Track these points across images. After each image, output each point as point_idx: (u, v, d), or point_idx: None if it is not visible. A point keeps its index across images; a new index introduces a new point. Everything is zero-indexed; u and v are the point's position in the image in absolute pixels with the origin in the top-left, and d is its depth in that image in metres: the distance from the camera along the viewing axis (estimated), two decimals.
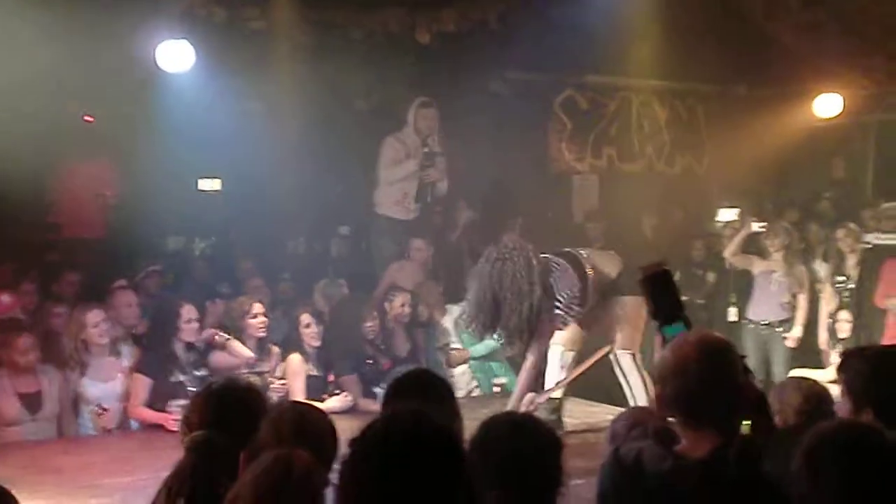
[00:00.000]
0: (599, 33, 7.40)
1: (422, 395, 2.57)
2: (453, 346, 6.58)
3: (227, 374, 5.38)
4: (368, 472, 1.66)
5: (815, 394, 3.04)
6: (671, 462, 2.11)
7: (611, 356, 5.34)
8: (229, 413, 2.56)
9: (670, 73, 8.70)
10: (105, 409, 5.32)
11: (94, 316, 5.38)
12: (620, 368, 5.34)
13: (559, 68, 8.29)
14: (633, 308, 5.15)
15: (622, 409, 5.98)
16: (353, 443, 1.72)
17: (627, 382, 5.33)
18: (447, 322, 6.65)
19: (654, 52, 8.21)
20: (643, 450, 2.15)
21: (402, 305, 6.19)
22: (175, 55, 6.11)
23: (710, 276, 8.29)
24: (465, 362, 6.59)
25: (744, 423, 2.20)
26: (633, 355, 5.31)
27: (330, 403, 5.58)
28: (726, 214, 8.86)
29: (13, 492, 2.60)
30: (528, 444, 2.29)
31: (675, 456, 2.12)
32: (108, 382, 5.43)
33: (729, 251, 7.74)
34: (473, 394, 6.48)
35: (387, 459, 1.65)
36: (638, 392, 5.22)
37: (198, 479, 2.39)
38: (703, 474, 2.08)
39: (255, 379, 5.50)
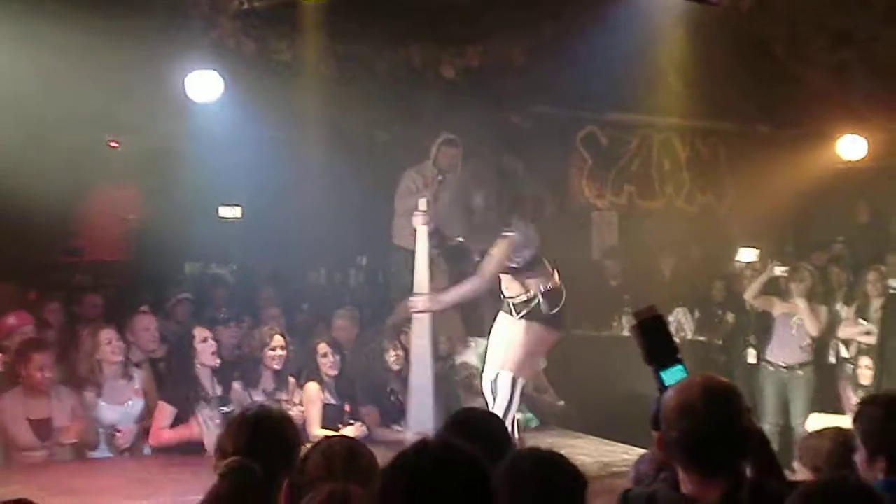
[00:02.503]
0: (623, 70, 7.43)
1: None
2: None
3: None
4: (398, 499, 1.67)
5: (844, 441, 2.99)
6: None
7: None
8: (263, 441, 2.55)
9: (692, 112, 8.70)
10: (119, 431, 5.39)
11: (106, 334, 5.49)
12: (495, 386, 5.12)
13: (582, 104, 8.33)
14: (538, 336, 5.12)
15: (641, 449, 5.99)
16: (384, 471, 1.74)
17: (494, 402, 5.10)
18: (471, 356, 6.56)
19: (676, 90, 8.23)
20: (656, 493, 2.14)
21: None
22: (204, 85, 6.22)
23: (730, 317, 8.23)
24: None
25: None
26: (514, 380, 5.07)
27: (345, 432, 5.59)
28: (746, 255, 8.82)
29: None
30: (554, 481, 2.28)
31: (688, 500, 2.11)
32: (123, 405, 5.51)
33: (750, 293, 7.67)
34: None
35: (416, 487, 1.66)
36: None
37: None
38: None
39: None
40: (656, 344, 2.35)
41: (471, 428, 2.64)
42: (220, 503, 2.36)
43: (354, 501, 2.06)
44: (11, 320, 5.69)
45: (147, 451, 5.49)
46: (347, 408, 5.83)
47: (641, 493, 2.18)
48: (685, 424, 2.11)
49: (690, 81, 8.01)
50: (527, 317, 5.09)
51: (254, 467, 2.42)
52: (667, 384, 2.28)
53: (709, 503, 2.09)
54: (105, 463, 5.39)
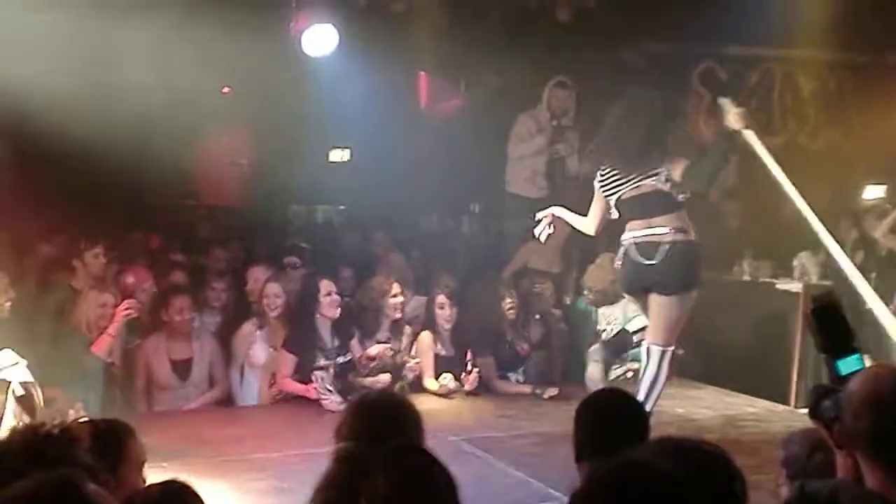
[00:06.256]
0: (743, 1, 7.07)
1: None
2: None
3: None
4: None
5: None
6: None
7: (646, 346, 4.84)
8: (378, 427, 2.59)
9: (818, 43, 8.23)
10: (274, 382, 5.62)
11: (271, 287, 5.75)
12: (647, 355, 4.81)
13: (699, 39, 7.98)
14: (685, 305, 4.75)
15: (765, 402, 5.86)
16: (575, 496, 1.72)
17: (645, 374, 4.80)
18: (616, 312, 6.31)
19: (801, 19, 7.78)
20: (838, 489, 2.07)
21: (547, 297, 6.15)
22: (319, 39, 6.22)
23: (858, 258, 7.90)
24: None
25: None
26: (663, 353, 4.73)
27: (445, 381, 5.72)
28: (874, 192, 8.41)
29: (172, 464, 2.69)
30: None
31: (875, 497, 2.03)
32: (270, 350, 5.72)
33: (880, 231, 7.36)
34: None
35: None
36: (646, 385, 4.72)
37: (343, 491, 2.44)
38: None
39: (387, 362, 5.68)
40: (833, 331, 2.28)
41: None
42: (332, 490, 2.41)
43: None
44: (129, 278, 5.90)
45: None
46: (468, 355, 5.85)
47: (820, 488, 2.10)
48: (875, 416, 2.01)
49: (815, 9, 7.56)
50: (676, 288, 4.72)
51: (365, 454, 2.45)
52: (842, 373, 2.20)
53: None
54: (237, 412, 5.62)
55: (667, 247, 4.62)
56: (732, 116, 4.58)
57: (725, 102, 4.69)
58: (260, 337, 5.72)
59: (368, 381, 5.52)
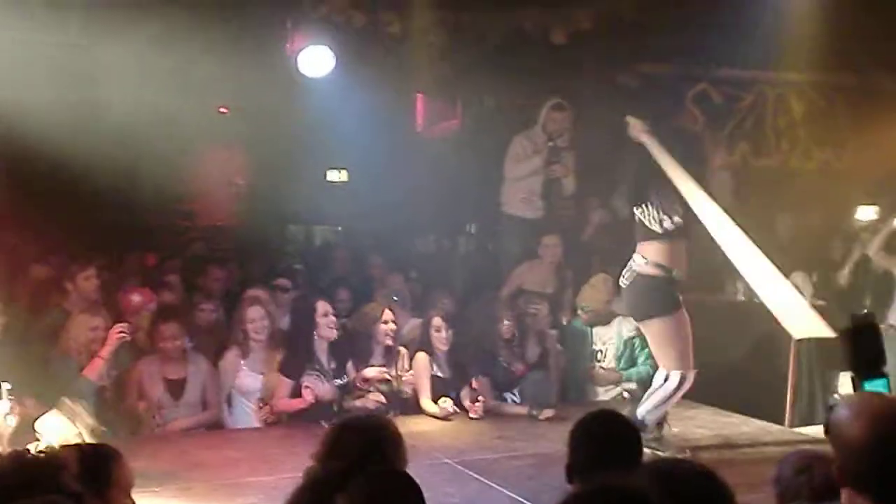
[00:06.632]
0: (736, 25, 7.13)
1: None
2: (605, 364, 6.35)
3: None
4: None
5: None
6: None
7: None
8: (346, 447, 2.63)
9: (810, 65, 8.32)
10: (266, 404, 5.53)
11: (253, 312, 5.63)
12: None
13: (693, 61, 8.05)
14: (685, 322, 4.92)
15: (759, 422, 5.86)
16: None
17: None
18: (610, 333, 6.37)
19: (793, 43, 7.86)
20: None
21: (544, 318, 6.14)
22: (315, 60, 6.24)
23: (850, 278, 7.92)
24: (612, 384, 6.35)
25: None
26: (683, 377, 4.87)
27: (445, 404, 5.67)
28: (866, 212, 8.45)
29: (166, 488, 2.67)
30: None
31: None
32: (263, 376, 5.63)
33: (873, 248, 7.39)
34: None
35: None
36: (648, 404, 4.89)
37: None
38: None
39: (383, 387, 5.64)
40: (865, 352, 2.31)
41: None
42: None
43: None
44: (136, 297, 5.89)
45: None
46: (474, 384, 5.81)
47: None
48: (880, 457, 1.94)
49: (806, 33, 7.63)
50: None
51: (331, 476, 2.46)
52: None
53: None
54: (229, 434, 5.55)
55: (630, 275, 4.85)
56: (634, 129, 4.84)
57: (629, 118, 4.93)
58: (246, 364, 5.62)
59: (359, 402, 5.49)
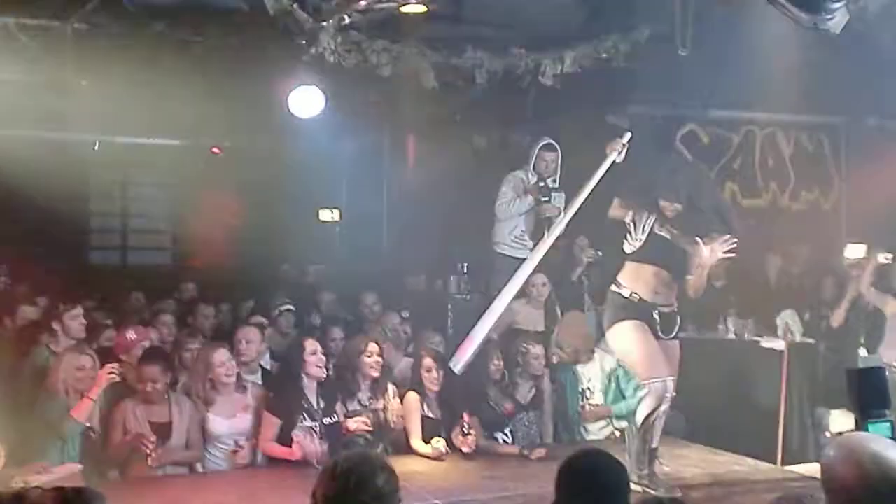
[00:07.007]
0: (725, 67, 7.24)
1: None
2: (593, 401, 6.33)
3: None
4: None
5: None
6: None
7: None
8: (350, 491, 2.58)
9: (796, 107, 8.43)
10: (241, 447, 5.38)
11: (220, 356, 5.47)
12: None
13: (682, 103, 8.17)
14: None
15: (751, 460, 5.84)
16: None
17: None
18: (594, 370, 6.40)
19: (780, 84, 7.96)
20: None
21: (537, 358, 6.11)
22: (306, 101, 6.30)
23: (840, 317, 7.93)
24: (603, 419, 6.34)
25: None
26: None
27: (438, 445, 5.61)
28: (854, 251, 8.50)
29: None
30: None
31: None
32: (234, 419, 5.48)
33: (864, 285, 7.43)
34: None
35: None
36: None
37: None
38: None
39: (367, 417, 5.57)
40: (872, 396, 2.32)
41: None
42: None
43: None
44: (131, 335, 5.86)
45: (259, 459, 5.51)
46: (465, 418, 5.75)
47: None
48: (869, 501, 1.96)
49: (793, 75, 7.74)
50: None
51: None
52: None
53: None
54: (216, 477, 5.43)
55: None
56: (610, 143, 5.28)
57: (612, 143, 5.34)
58: (212, 411, 5.46)
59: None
